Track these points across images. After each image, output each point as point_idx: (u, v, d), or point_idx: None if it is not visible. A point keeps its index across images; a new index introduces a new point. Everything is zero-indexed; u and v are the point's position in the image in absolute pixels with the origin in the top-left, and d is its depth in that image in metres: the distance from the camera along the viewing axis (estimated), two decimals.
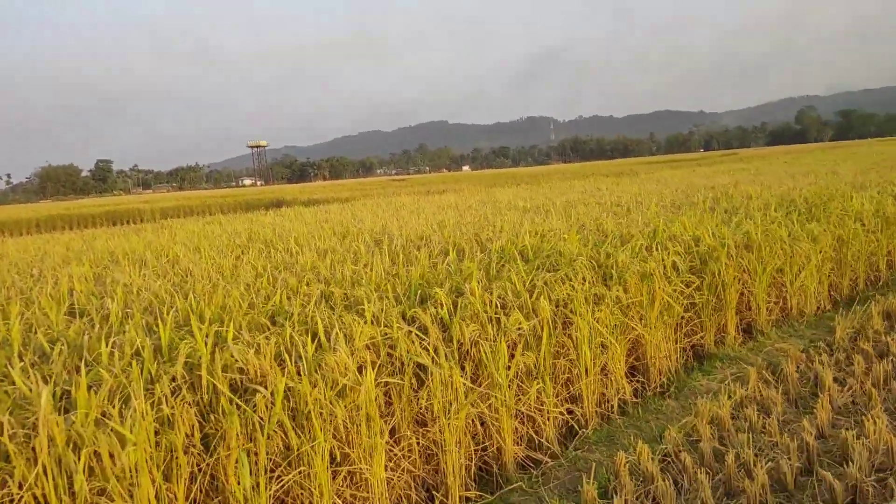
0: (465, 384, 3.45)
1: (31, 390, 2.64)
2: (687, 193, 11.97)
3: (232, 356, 3.01)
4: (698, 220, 6.66)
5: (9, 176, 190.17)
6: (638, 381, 4.84)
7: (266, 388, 2.91)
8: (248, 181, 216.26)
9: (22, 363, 3.00)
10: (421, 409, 3.55)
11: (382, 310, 3.79)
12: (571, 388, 4.31)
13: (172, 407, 2.68)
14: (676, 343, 5.26)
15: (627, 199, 11.76)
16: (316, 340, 3.30)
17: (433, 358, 3.48)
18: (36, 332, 3.58)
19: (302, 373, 3.05)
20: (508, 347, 3.83)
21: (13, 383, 2.74)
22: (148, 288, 5.01)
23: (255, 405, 2.83)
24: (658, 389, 4.87)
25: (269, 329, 3.58)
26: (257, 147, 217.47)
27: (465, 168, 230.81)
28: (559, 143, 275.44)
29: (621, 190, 15.57)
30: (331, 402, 2.99)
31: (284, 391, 2.91)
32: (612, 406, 4.46)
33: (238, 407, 2.83)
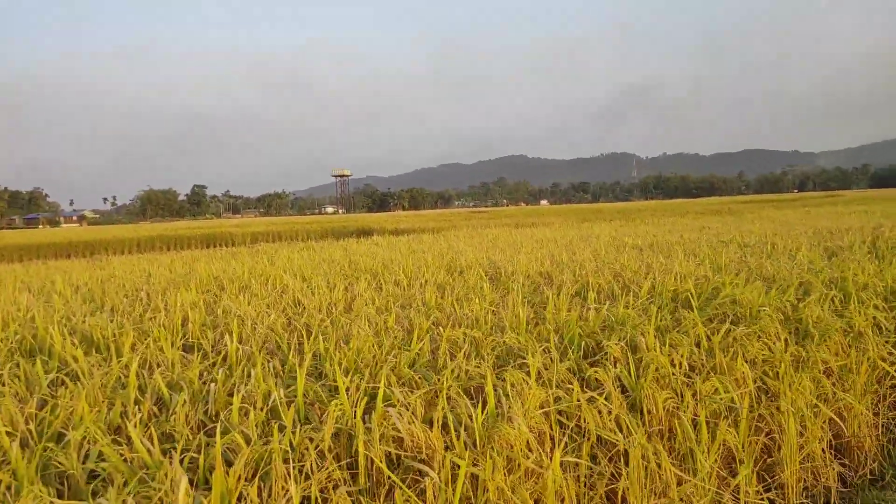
0: (675, 473, 2.68)
1: (150, 453, 2.12)
2: (823, 235, 10.73)
3: (390, 423, 2.38)
4: (876, 268, 5.64)
5: (114, 198, 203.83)
6: (839, 464, 3.90)
7: (432, 467, 2.26)
8: (330, 209, 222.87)
9: (139, 413, 2.50)
10: (599, 496, 2.81)
11: (549, 366, 3.11)
12: (772, 473, 3.44)
13: (325, 493, 2.06)
14: (878, 416, 4.28)
15: (754, 240, 10.65)
16: (485, 407, 2.63)
17: (625, 433, 2.74)
18: (152, 373, 3.10)
19: (471, 447, 2.39)
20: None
21: (129, 440, 2.23)
22: (262, 321, 4.54)
23: (422, 490, 2.19)
24: (868, 476, 3.91)
25: (416, 384, 2.96)
26: (341, 176, 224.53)
27: (544, 202, 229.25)
28: (641, 179, 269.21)
29: (736, 229, 14.31)
30: (513, 491, 2.30)
31: (452, 470, 2.26)
32: (826, 497, 3.54)
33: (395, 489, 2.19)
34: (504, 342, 3.57)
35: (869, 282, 5.00)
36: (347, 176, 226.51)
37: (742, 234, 11.87)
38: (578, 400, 2.81)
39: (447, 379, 2.84)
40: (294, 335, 4.14)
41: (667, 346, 3.31)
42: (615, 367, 3.17)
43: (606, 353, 3.35)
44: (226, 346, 3.71)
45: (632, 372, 3.10)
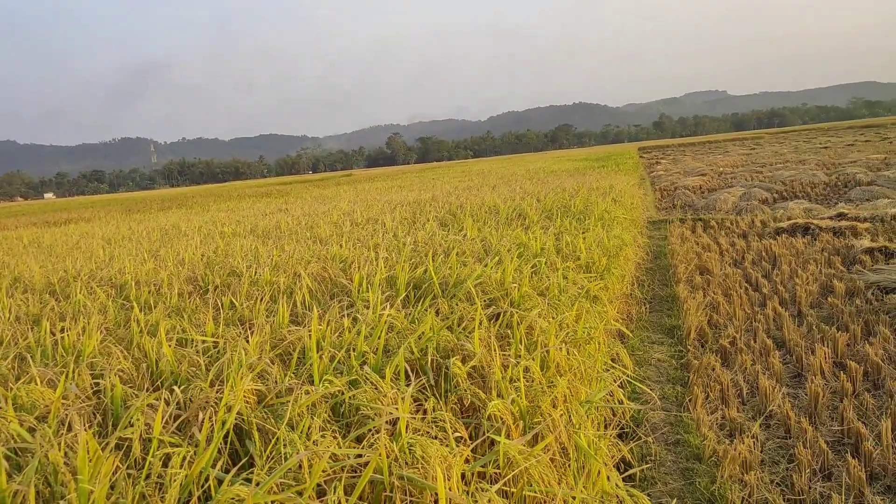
0: None
1: None
2: (403, 208, 11.64)
3: None
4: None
5: None
6: None
7: None
8: None
9: None
10: None
11: None
12: None
13: None
14: None
15: (363, 218, 10.83)
16: None
17: None
18: None
19: None
20: None
21: None
22: None
23: None
24: None
25: None
26: None
27: (49, 195, 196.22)
28: (164, 166, 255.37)
29: (325, 209, 14.43)
30: None
31: None
32: None
33: None
34: None
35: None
36: None
37: (347, 212, 12.00)
38: None
39: None
40: None
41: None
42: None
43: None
44: None
45: None
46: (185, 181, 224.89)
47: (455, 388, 2.58)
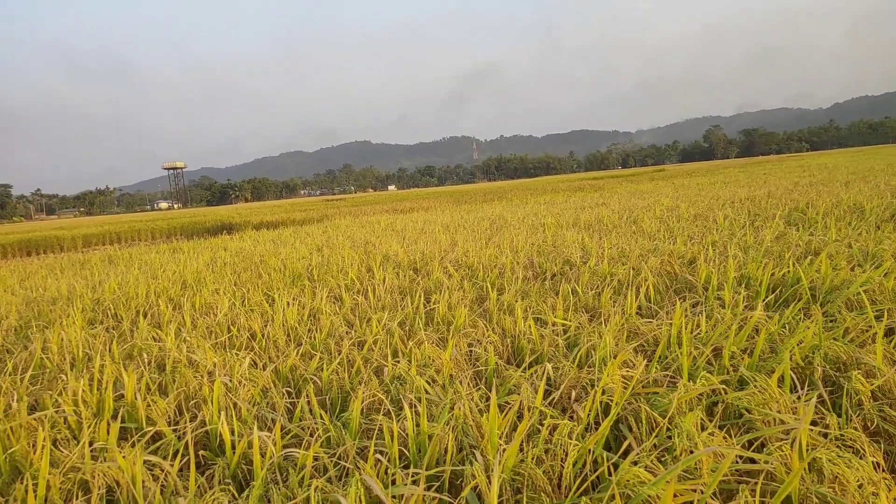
0: None
1: None
2: (754, 205, 10.70)
3: None
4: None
5: None
6: None
7: None
8: (163, 204, 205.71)
9: None
10: None
11: None
12: None
13: None
14: None
15: (695, 212, 10.30)
16: None
17: None
18: None
19: None
20: None
21: None
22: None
23: None
24: None
25: None
26: (174, 169, 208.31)
27: (392, 187, 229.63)
28: (483, 161, 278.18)
29: (644, 204, 14.13)
30: None
31: None
32: None
33: None
34: None
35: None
36: (181, 168, 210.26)
37: (670, 207, 11.60)
38: None
39: None
40: None
41: None
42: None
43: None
44: None
45: None
46: (501, 175, 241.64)
47: (857, 406, 2.26)
